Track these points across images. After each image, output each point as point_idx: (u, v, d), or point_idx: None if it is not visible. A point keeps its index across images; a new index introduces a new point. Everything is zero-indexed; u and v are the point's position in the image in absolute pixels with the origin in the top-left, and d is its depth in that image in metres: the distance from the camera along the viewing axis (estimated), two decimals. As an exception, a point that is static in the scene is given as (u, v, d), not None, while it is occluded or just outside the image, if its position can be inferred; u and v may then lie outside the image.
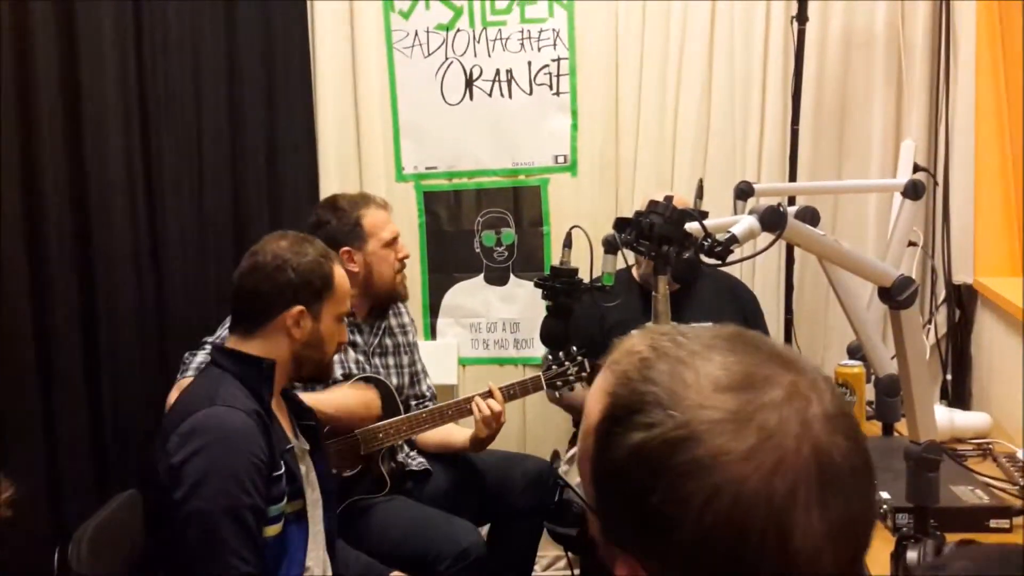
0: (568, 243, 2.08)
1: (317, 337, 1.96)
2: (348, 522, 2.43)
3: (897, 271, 1.68)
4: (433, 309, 3.52)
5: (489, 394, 2.61)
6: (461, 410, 2.63)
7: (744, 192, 2.44)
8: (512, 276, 3.48)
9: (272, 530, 1.82)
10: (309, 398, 2.23)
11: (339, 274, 2.00)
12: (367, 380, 2.64)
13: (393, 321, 2.82)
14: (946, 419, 2.34)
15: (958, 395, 2.99)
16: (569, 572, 3.22)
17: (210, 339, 2.46)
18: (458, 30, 3.35)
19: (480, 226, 3.47)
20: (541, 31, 3.32)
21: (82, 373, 2.77)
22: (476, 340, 3.51)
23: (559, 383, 2.63)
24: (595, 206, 3.33)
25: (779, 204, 1.64)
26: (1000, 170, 2.87)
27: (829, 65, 3.16)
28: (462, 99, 3.39)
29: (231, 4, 3.19)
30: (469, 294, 3.50)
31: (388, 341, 2.78)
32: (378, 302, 2.74)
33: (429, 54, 3.38)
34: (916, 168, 2.95)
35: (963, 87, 2.94)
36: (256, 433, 1.78)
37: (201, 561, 1.72)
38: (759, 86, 3.19)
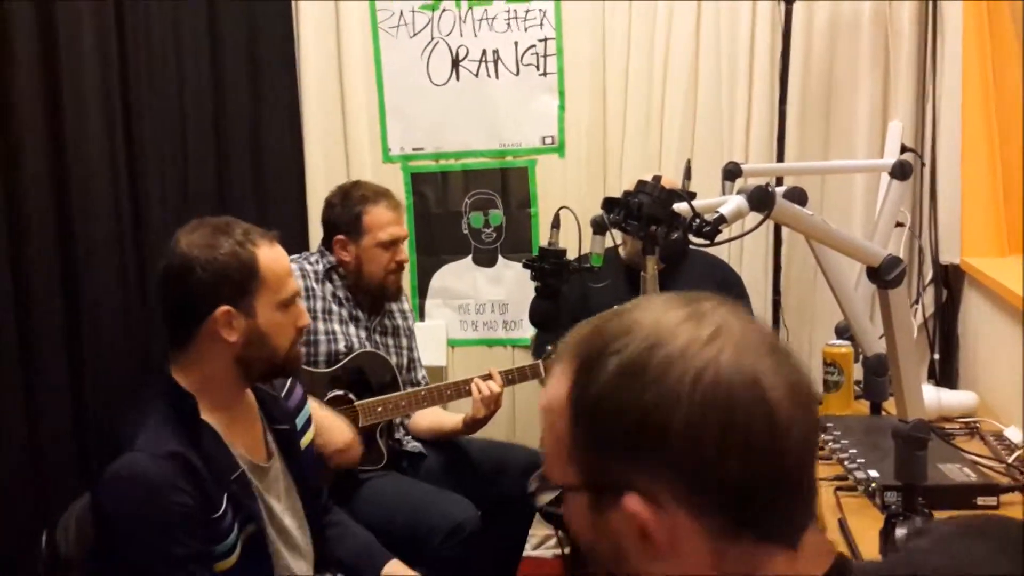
0: (556, 224, 2.08)
1: (257, 333, 1.74)
2: (342, 495, 2.43)
3: (885, 251, 1.68)
4: (422, 291, 3.51)
5: (489, 376, 2.64)
6: (460, 391, 2.67)
7: (732, 173, 2.44)
8: (500, 257, 3.47)
9: (226, 564, 1.69)
10: None
11: (266, 257, 1.75)
12: (371, 355, 2.66)
13: (394, 305, 2.83)
14: (933, 398, 2.35)
15: (945, 374, 3.00)
16: (559, 550, 3.24)
17: None
18: (444, 10, 3.33)
19: (468, 207, 3.45)
20: (528, 11, 3.30)
21: (64, 361, 2.74)
22: (465, 322, 3.51)
23: None
24: (583, 187, 3.32)
25: (767, 184, 1.64)
26: (987, 151, 2.87)
27: (816, 46, 3.15)
28: (448, 80, 3.37)
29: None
30: (457, 276, 3.50)
31: (388, 322, 2.80)
32: (367, 296, 2.73)
33: (415, 34, 3.36)
34: (903, 149, 2.94)
35: (949, 68, 2.94)
36: (178, 480, 1.61)
37: None
38: (746, 67, 3.18)
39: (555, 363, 0.86)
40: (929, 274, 3.03)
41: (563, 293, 2.05)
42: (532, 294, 2.07)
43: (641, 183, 1.84)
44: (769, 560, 0.79)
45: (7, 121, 2.56)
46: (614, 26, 3.26)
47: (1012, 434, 2.17)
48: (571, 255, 2.06)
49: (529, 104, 3.35)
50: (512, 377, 2.70)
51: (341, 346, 2.62)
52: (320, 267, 2.67)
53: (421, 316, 3.51)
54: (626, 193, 1.85)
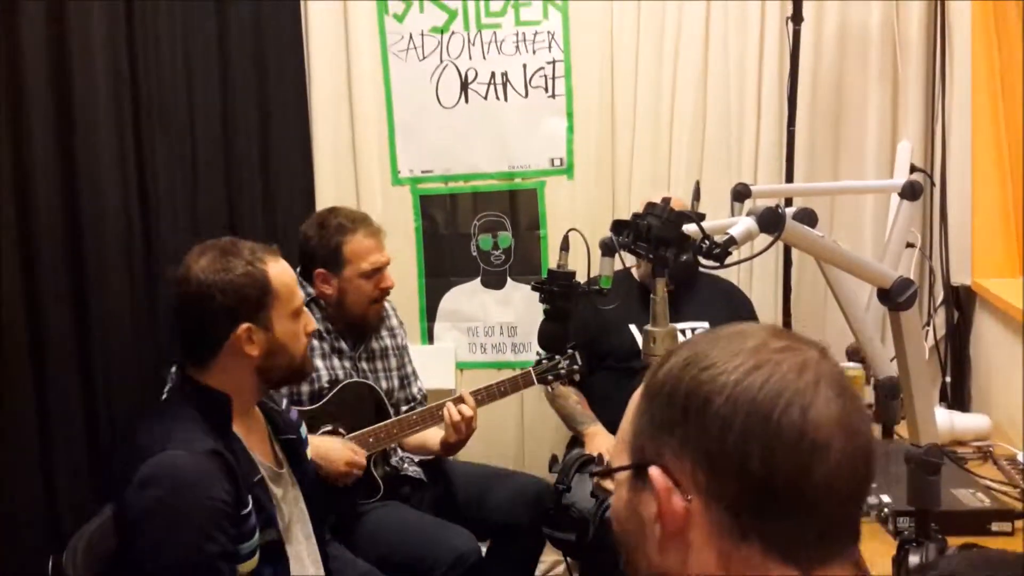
0: (565, 246, 2.07)
1: (276, 344, 1.83)
2: (342, 529, 2.41)
3: (896, 273, 1.67)
4: (430, 313, 3.50)
5: (460, 399, 2.59)
6: (434, 415, 2.62)
7: (741, 194, 2.43)
8: (509, 280, 3.46)
9: (247, 566, 1.73)
10: None
11: (276, 271, 1.84)
12: (357, 385, 2.62)
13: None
14: (946, 421, 2.33)
15: (957, 397, 2.97)
16: (568, 576, 3.21)
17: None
18: (453, 33, 3.34)
19: (476, 230, 3.45)
20: (536, 33, 3.31)
21: (77, 380, 2.74)
22: (474, 344, 3.50)
23: (550, 377, 2.62)
24: (592, 209, 3.32)
25: (777, 205, 1.63)
26: (997, 171, 2.86)
27: (824, 66, 3.16)
28: (457, 102, 3.38)
29: (224, 6, 3.17)
30: (466, 298, 3.49)
31: (375, 345, 2.75)
32: (349, 327, 2.68)
33: (424, 57, 3.37)
34: (913, 169, 2.93)
35: (959, 87, 2.93)
36: (216, 475, 1.66)
37: None
38: (754, 87, 3.18)
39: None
40: (940, 295, 3.02)
41: (572, 315, 2.04)
42: (541, 317, 2.06)
43: (650, 205, 1.83)
44: None
45: (21, 134, 2.58)
46: (622, 47, 3.27)
47: (1026, 457, 2.15)
48: (580, 277, 2.05)
49: (538, 126, 3.36)
50: (503, 389, 2.64)
51: (324, 382, 2.57)
52: None
53: (430, 339, 3.50)
54: (635, 215, 1.83)
